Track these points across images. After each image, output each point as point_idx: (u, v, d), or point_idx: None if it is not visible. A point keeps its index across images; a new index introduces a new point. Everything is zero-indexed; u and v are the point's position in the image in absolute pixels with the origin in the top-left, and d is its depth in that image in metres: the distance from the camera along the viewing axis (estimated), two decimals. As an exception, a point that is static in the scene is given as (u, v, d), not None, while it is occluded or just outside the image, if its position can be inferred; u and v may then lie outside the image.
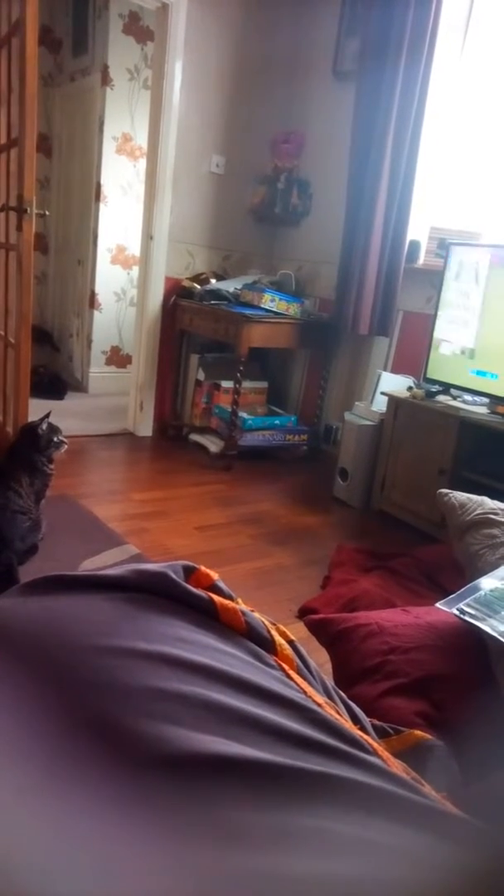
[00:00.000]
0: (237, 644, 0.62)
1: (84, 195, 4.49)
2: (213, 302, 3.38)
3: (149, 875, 0.41)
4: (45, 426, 2.07)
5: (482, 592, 1.13)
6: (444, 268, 2.64)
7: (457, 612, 1.07)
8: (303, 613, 1.92)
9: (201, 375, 3.69)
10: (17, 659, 0.57)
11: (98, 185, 4.27)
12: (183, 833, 0.44)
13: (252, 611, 0.68)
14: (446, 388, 2.68)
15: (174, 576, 0.64)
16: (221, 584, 0.69)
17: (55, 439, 2.08)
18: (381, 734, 0.89)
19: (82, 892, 0.39)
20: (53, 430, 2.09)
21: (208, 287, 3.49)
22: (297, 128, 3.70)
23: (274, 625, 0.70)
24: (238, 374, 3.24)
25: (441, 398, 2.66)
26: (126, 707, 0.51)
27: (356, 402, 3.13)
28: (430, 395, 2.67)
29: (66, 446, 2.13)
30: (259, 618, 0.68)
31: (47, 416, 2.13)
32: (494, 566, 1.34)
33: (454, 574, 1.74)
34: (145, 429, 3.75)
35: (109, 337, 4.60)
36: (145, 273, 3.58)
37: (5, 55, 2.59)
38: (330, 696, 0.72)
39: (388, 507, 2.81)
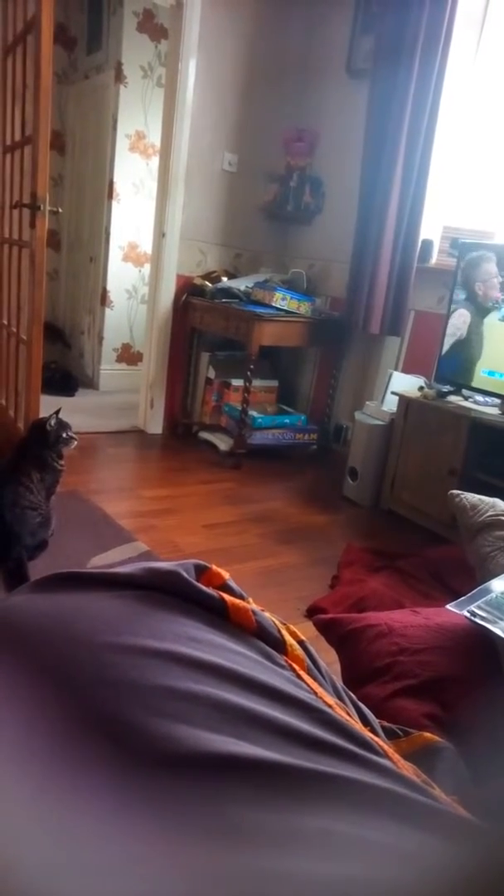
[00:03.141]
0: (248, 644, 0.62)
1: (97, 193, 4.50)
2: (224, 300, 3.38)
3: (149, 875, 0.41)
4: (53, 422, 2.07)
5: (493, 595, 1.12)
6: (456, 267, 2.63)
7: (467, 615, 1.06)
8: (311, 613, 1.92)
9: (212, 373, 3.69)
10: (27, 656, 0.57)
11: (111, 183, 4.28)
12: (189, 833, 0.44)
13: (263, 610, 0.68)
14: (457, 388, 2.67)
15: (186, 575, 0.64)
16: (232, 584, 0.69)
17: (64, 435, 2.08)
18: (390, 736, 0.89)
19: (83, 893, 0.39)
20: (63, 426, 2.10)
21: (220, 285, 3.49)
22: (311, 126, 3.69)
23: (284, 624, 0.69)
24: (248, 373, 3.24)
25: (452, 398, 2.65)
26: (135, 705, 0.51)
27: (367, 402, 3.12)
28: (441, 395, 2.65)
29: (75, 442, 2.13)
30: (270, 617, 0.67)
31: (57, 412, 2.13)
32: (505, 568, 1.33)
33: (464, 575, 1.73)
34: (155, 426, 3.76)
35: (120, 334, 4.61)
36: (157, 271, 3.59)
37: (21, 52, 2.60)
38: (340, 697, 0.72)
39: (398, 507, 2.80)
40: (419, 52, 2.83)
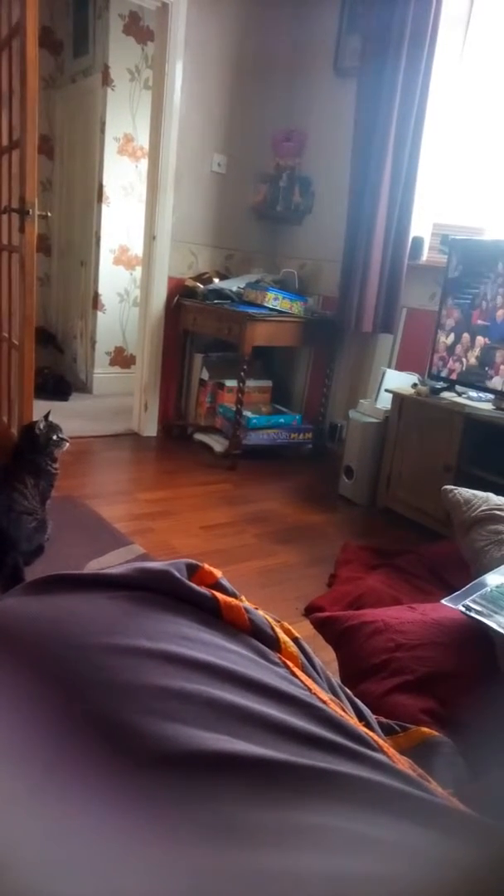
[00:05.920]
0: (241, 642, 0.62)
1: (86, 196, 4.50)
2: (216, 301, 3.38)
3: (147, 873, 0.41)
4: (42, 425, 2.07)
5: (488, 589, 1.12)
6: (447, 264, 2.63)
7: (463, 609, 1.06)
8: (309, 611, 1.92)
9: (205, 375, 3.69)
10: (21, 658, 0.57)
11: (100, 186, 4.28)
12: (185, 831, 0.44)
13: (256, 608, 0.68)
14: (451, 384, 2.68)
15: (177, 574, 0.64)
16: (225, 582, 0.69)
17: (55, 437, 2.08)
18: (388, 731, 0.89)
19: (80, 891, 0.39)
20: (52, 428, 2.09)
21: (211, 286, 3.49)
22: (299, 126, 3.69)
23: (278, 622, 0.69)
24: (242, 373, 3.24)
25: (446, 395, 2.65)
26: (129, 705, 0.51)
27: (361, 400, 3.12)
28: (435, 391, 2.66)
29: (67, 444, 2.12)
30: (263, 615, 0.67)
31: (46, 415, 2.13)
32: (500, 562, 1.33)
33: (460, 571, 1.73)
34: (150, 429, 3.76)
35: (113, 338, 4.61)
36: (148, 273, 3.59)
37: (6, 57, 2.59)
38: (335, 694, 0.72)
39: (394, 504, 2.80)
40: (405, 50, 2.83)
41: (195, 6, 3.28)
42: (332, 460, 3.44)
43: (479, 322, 2.48)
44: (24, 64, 2.26)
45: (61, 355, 5.00)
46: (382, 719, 0.90)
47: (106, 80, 4.08)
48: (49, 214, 4.65)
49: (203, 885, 0.41)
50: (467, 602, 1.07)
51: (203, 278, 3.60)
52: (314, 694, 0.60)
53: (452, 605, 1.07)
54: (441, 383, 2.69)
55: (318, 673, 0.70)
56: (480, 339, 2.48)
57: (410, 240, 3.05)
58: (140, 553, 2.22)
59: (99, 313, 4.47)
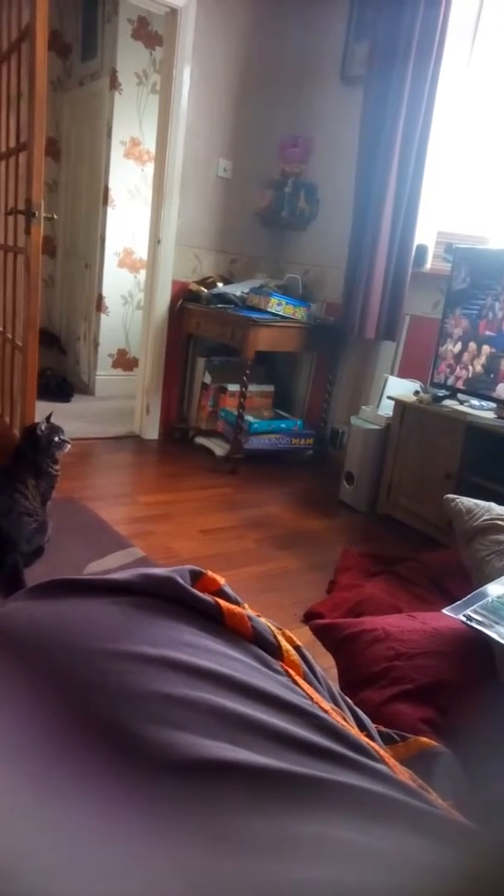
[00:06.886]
0: (243, 649, 0.62)
1: (92, 199, 4.51)
2: (219, 305, 3.38)
3: (146, 879, 0.41)
4: (44, 426, 2.06)
5: (489, 599, 1.12)
6: (451, 272, 2.64)
7: (463, 619, 1.06)
8: (308, 618, 1.92)
9: (208, 379, 3.69)
10: (24, 662, 0.57)
11: (106, 189, 4.29)
12: (184, 837, 0.44)
13: (258, 616, 0.68)
14: (453, 392, 2.68)
15: (181, 581, 0.64)
16: (228, 589, 0.69)
17: (56, 439, 2.07)
18: (387, 741, 0.88)
19: (82, 893, 0.39)
20: (54, 430, 2.08)
21: (215, 291, 3.50)
22: (305, 132, 3.71)
23: (280, 630, 0.69)
24: (244, 378, 3.24)
25: (448, 402, 2.66)
26: (132, 712, 0.51)
27: (362, 407, 3.12)
28: (437, 399, 2.66)
29: (69, 446, 2.12)
30: (265, 623, 0.67)
31: (48, 416, 2.13)
32: (502, 572, 1.33)
33: (460, 580, 1.73)
34: (151, 432, 3.76)
35: (116, 340, 4.61)
36: (152, 277, 3.59)
37: (15, 59, 2.60)
38: (336, 702, 0.72)
39: (395, 511, 2.80)
40: (413, 58, 2.84)
41: (203, 12, 3.30)
42: (333, 466, 3.44)
43: (486, 332, 2.49)
44: (32, 66, 2.28)
45: (64, 357, 5.01)
46: (381, 728, 0.90)
47: (113, 84, 4.10)
48: (55, 216, 4.63)
49: (202, 892, 0.41)
50: (468, 612, 1.07)
51: (207, 282, 3.61)
52: (315, 703, 0.60)
53: (453, 615, 1.07)
54: (443, 391, 2.69)
55: (319, 681, 0.70)
56: (486, 349, 2.49)
57: (414, 247, 3.05)
58: (139, 556, 2.22)
59: (102, 315, 4.48)
